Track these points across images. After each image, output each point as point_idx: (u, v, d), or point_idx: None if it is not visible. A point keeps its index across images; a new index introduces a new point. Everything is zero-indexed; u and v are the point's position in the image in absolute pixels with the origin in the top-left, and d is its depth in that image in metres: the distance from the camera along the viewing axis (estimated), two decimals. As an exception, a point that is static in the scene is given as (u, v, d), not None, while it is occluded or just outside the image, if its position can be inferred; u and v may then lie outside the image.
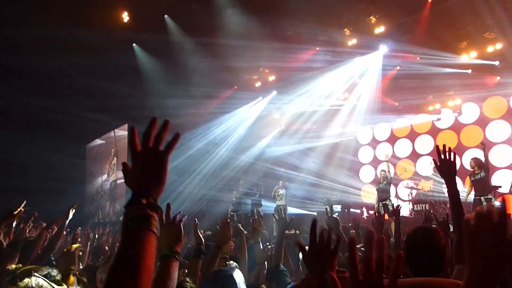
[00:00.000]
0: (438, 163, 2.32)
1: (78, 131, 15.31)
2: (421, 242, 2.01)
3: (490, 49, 11.40)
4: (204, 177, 14.64)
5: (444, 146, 2.34)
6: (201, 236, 2.74)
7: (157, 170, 1.08)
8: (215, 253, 2.92)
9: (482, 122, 13.05)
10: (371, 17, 11.37)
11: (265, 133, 16.29)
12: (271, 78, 14.60)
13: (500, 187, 8.67)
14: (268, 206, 12.23)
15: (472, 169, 8.70)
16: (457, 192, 2.22)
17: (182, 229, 1.80)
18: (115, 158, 17.94)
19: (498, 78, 12.14)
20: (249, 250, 3.51)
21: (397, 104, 14.45)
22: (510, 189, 10.05)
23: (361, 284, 0.84)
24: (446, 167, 2.29)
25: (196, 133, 14.45)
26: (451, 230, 2.64)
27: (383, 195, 10.53)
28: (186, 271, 2.74)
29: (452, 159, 2.30)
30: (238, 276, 2.04)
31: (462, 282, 0.93)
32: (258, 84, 15.04)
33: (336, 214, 3.73)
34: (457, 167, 2.32)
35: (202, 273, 2.62)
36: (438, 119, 14.09)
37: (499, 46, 11.16)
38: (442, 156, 2.31)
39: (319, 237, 1.29)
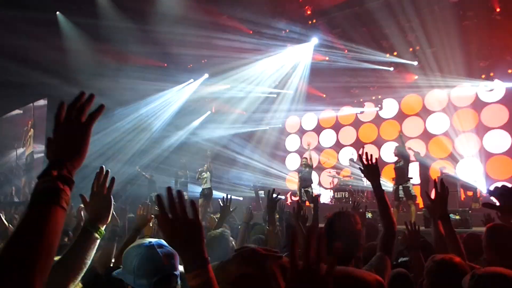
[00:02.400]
0: (364, 169, 2.51)
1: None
2: (339, 226, 2.08)
3: (410, 49, 12.15)
4: (131, 157, 14.11)
5: (366, 153, 2.54)
6: (116, 217, 2.61)
7: (76, 141, 1.04)
8: (132, 235, 2.79)
9: (400, 117, 13.98)
10: (305, 8, 11.59)
11: (194, 116, 16.04)
12: (203, 60, 14.33)
13: (411, 178, 9.37)
14: (195, 191, 12.11)
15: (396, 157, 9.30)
16: (383, 191, 2.41)
17: (112, 201, 1.59)
18: (31, 130, 16.69)
19: (416, 77, 13.01)
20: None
21: (324, 95, 14.95)
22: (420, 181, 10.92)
23: (300, 272, 0.86)
24: (371, 171, 2.48)
25: (121, 112, 13.80)
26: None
27: (305, 182, 10.88)
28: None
29: (375, 164, 2.49)
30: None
31: None
32: (190, 65, 14.70)
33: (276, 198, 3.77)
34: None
35: (116, 256, 2.49)
36: (361, 112, 14.84)
37: (417, 47, 11.92)
38: (366, 162, 2.50)
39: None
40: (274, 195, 3.75)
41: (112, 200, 1.58)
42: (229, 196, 4.00)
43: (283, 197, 13.46)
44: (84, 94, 1.09)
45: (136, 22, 11.28)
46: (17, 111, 17.52)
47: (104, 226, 1.53)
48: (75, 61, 12.32)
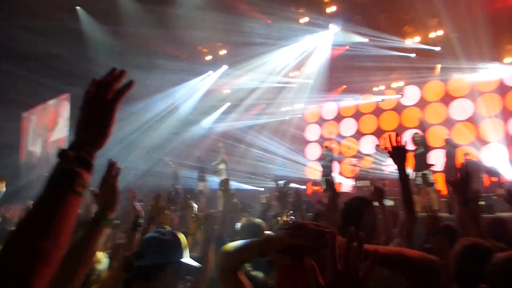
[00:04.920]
0: (392, 151, 2.45)
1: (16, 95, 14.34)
2: (356, 210, 2.12)
3: (432, 35, 11.91)
4: (149, 151, 14.31)
5: (394, 135, 2.48)
6: (139, 208, 2.69)
7: (100, 119, 0.99)
8: (147, 225, 2.88)
9: (422, 104, 13.76)
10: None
11: (214, 108, 16.15)
12: (222, 52, 14.40)
13: (434, 165, 9.25)
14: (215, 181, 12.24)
15: (415, 145, 9.18)
16: (407, 176, 2.39)
17: (119, 190, 1.58)
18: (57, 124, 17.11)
19: (439, 64, 12.76)
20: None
21: (344, 85, 14.81)
22: (443, 168, 10.77)
23: (339, 275, 0.88)
24: (399, 153, 2.44)
25: (142, 104, 13.99)
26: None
27: (326, 170, 10.88)
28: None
29: (403, 146, 2.45)
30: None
31: None
32: (208, 57, 14.79)
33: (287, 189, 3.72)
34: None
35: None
36: (383, 100, 14.66)
37: (440, 32, 11.68)
38: (394, 144, 2.45)
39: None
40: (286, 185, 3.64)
41: (119, 190, 1.57)
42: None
43: (303, 186, 13.50)
44: (116, 70, 1.05)
45: (156, 15, 11.39)
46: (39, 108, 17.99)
47: (113, 216, 1.54)
48: (96, 57, 12.55)
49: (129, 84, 1.04)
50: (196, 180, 12.26)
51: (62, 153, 0.91)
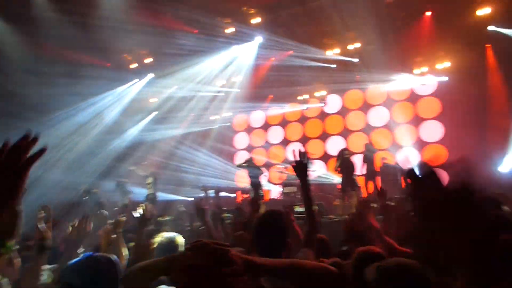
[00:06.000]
0: (294, 166, 2.56)
1: None
2: (268, 224, 2.18)
3: (350, 47, 12.66)
4: (69, 165, 13.47)
5: (299, 150, 2.59)
6: (41, 230, 2.46)
7: (8, 185, 1.03)
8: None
9: (344, 112, 14.54)
10: (248, 8, 11.72)
11: (140, 117, 15.70)
12: (148, 60, 14.08)
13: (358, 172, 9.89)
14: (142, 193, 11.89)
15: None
16: (309, 190, 2.50)
17: (20, 215, 1.43)
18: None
19: (357, 73, 13.58)
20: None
21: (271, 93, 15.18)
22: (363, 172, 11.45)
23: None
24: (301, 168, 2.54)
25: (61, 115, 13.18)
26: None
27: (254, 179, 11.03)
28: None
29: (305, 162, 2.55)
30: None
31: None
32: (134, 65, 14.37)
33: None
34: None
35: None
36: (307, 109, 15.25)
37: (358, 45, 12.45)
38: (296, 159, 2.55)
39: None
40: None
41: (21, 213, 1.43)
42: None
43: (233, 195, 13.56)
44: (29, 135, 1.06)
45: (77, 22, 10.84)
46: None
47: (13, 241, 1.46)
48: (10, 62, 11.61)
49: (41, 151, 1.06)
50: (119, 193, 11.77)
51: None
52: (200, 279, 1.08)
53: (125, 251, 3.17)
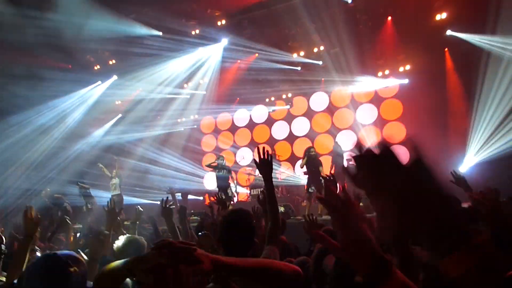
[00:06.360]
0: (257, 163, 2.59)
1: None
2: (236, 222, 2.17)
3: (315, 50, 12.86)
4: (29, 168, 12.98)
5: (263, 148, 2.63)
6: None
7: None
8: (24, 243, 2.64)
9: (310, 114, 14.73)
10: (213, 10, 11.71)
11: (103, 120, 15.33)
12: (112, 62, 13.80)
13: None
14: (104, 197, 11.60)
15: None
16: (273, 187, 2.52)
17: None
18: None
19: (321, 76, 13.80)
20: None
21: (238, 96, 15.20)
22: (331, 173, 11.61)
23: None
24: (264, 166, 2.57)
25: (20, 117, 12.69)
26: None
27: (220, 181, 10.97)
28: None
29: (269, 160, 2.58)
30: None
31: None
32: (97, 67, 14.04)
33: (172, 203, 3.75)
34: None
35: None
36: (273, 111, 15.35)
37: (322, 48, 12.67)
38: (260, 157, 2.58)
39: None
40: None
41: None
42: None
43: (200, 197, 13.46)
44: None
45: (36, 22, 10.47)
46: None
47: None
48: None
49: None
50: (82, 197, 11.46)
51: None
52: (165, 279, 1.06)
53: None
